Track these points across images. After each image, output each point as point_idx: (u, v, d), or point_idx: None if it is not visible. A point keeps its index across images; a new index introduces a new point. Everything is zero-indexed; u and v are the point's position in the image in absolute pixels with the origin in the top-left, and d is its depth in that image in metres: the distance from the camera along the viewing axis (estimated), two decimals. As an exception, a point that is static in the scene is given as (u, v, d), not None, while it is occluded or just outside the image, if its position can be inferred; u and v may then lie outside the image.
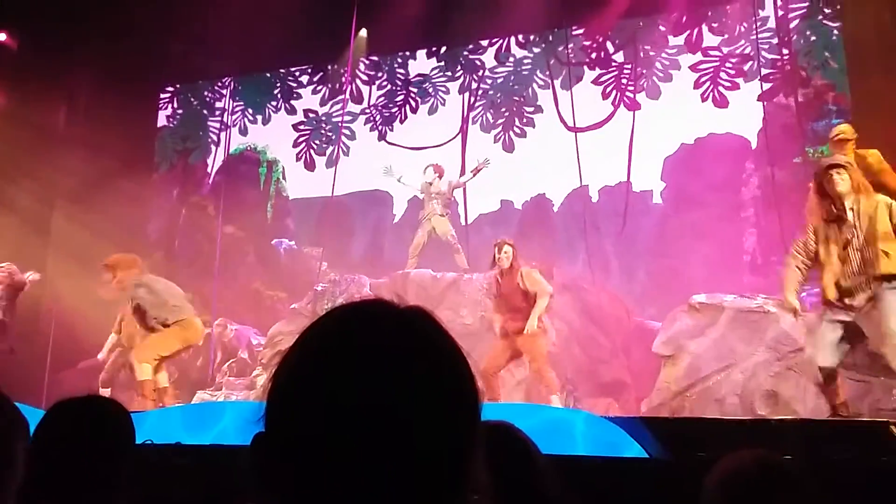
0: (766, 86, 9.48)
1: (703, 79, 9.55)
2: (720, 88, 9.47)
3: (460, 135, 10.70)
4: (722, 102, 9.52)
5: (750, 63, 9.50)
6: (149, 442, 3.68)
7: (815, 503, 1.65)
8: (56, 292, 9.52)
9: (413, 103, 11.30)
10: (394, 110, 11.36)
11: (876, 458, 3.96)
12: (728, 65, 9.51)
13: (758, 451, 1.76)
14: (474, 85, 10.93)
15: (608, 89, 10.13)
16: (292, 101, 11.93)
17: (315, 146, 11.66)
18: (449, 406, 0.75)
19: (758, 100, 9.58)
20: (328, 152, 11.59)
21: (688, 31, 9.82)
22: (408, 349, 0.75)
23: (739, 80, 9.50)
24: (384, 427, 0.70)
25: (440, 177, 9.74)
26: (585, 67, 10.28)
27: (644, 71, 9.96)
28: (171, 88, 12.39)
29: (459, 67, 11.07)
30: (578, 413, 5.61)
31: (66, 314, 9.28)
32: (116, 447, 1.82)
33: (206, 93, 12.33)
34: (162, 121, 12.35)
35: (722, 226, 10.07)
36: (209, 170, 12.85)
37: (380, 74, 11.55)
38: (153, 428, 4.57)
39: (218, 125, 12.14)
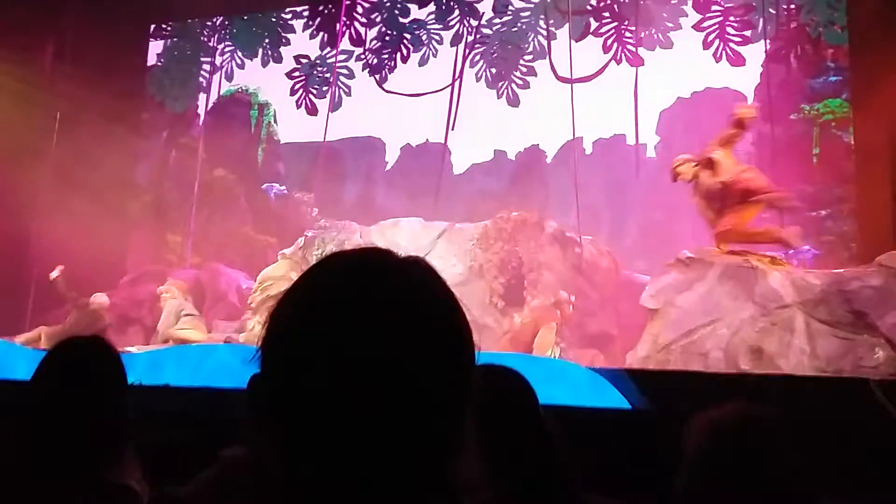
0: (767, 41, 9.36)
1: (712, 37, 9.38)
2: (731, 45, 9.29)
3: (451, 87, 10.52)
4: (737, 60, 9.34)
5: (754, 15, 9.33)
6: (138, 383, 3.70)
7: (794, 456, 1.67)
8: (42, 231, 9.45)
9: (405, 51, 11.09)
10: (385, 57, 11.13)
11: (856, 414, 4.03)
12: (732, 19, 9.34)
13: (739, 404, 1.77)
14: (469, 37, 10.72)
15: (609, 42, 9.97)
16: (282, 48, 11.66)
17: (314, 91, 11.43)
18: (448, 356, 0.76)
19: (766, 59, 9.45)
20: (328, 95, 11.38)
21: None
22: (406, 301, 0.76)
23: (748, 33, 9.33)
24: (384, 375, 0.71)
25: None
26: (584, 19, 10.08)
27: (644, 24, 9.79)
28: (161, 27, 12.11)
29: (456, 13, 10.85)
30: (565, 364, 5.68)
31: (51, 254, 9.24)
32: (113, 390, 1.84)
33: (197, 31, 12.07)
34: (152, 60, 12.10)
35: (714, 181, 10.04)
36: (199, 111, 12.67)
37: (377, 18, 11.30)
38: (143, 369, 4.60)
39: (209, 66, 11.91)
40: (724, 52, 9.38)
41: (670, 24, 9.74)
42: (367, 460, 0.71)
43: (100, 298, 8.91)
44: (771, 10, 9.30)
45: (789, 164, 9.65)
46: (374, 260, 0.79)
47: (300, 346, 0.74)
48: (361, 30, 11.21)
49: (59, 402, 1.76)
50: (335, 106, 10.99)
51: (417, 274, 0.79)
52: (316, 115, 11.27)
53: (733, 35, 9.35)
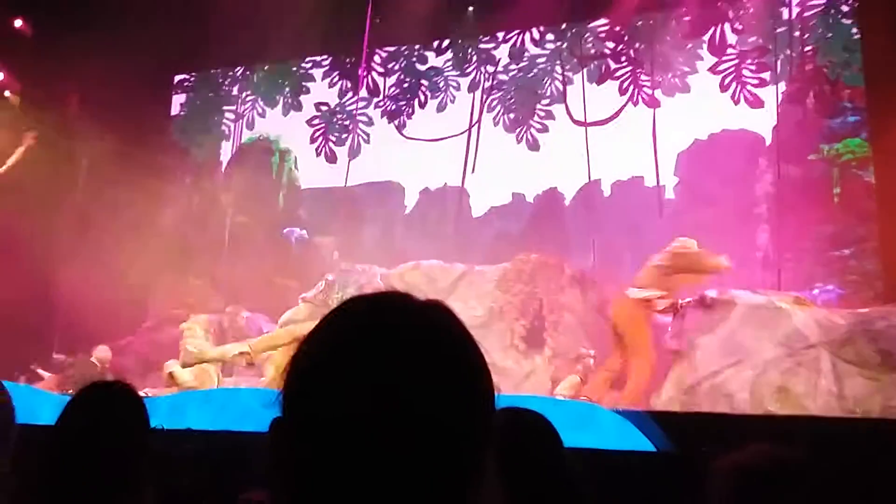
0: (780, 83, 9.41)
1: (728, 79, 9.45)
2: (749, 87, 9.35)
3: (468, 132, 10.63)
4: (756, 102, 9.38)
5: (770, 58, 9.40)
6: (160, 427, 3.71)
7: (822, 501, 1.64)
8: (66, 279, 9.57)
9: (423, 97, 11.27)
10: (403, 104, 11.31)
11: (887, 456, 3.94)
12: (748, 62, 9.42)
13: (767, 447, 1.75)
14: (487, 83, 10.87)
15: (625, 85, 10.07)
16: (302, 97, 11.88)
17: (333, 138, 11.61)
18: (466, 399, 0.76)
19: (783, 100, 9.49)
20: (348, 143, 11.55)
21: (709, 29, 9.72)
22: (427, 343, 0.76)
23: (765, 76, 9.39)
24: (402, 418, 0.72)
25: None
26: (600, 63, 10.20)
27: (660, 67, 9.88)
28: (184, 77, 12.41)
29: (473, 61, 11.03)
30: (588, 406, 5.62)
31: (76, 299, 9.33)
32: (135, 434, 1.86)
33: (219, 81, 12.35)
34: (175, 109, 12.38)
35: (734, 222, 10.00)
36: (221, 159, 12.88)
37: (395, 67, 11.52)
38: (165, 413, 4.61)
39: (231, 115, 12.16)
40: (741, 95, 9.43)
41: (686, 69, 9.84)
42: (384, 501, 0.71)
43: (101, 353, 8.93)
44: (787, 52, 9.37)
45: (810, 205, 9.60)
46: (395, 303, 0.80)
47: (321, 389, 0.74)
48: (379, 79, 11.43)
49: (83, 445, 1.77)
50: (354, 153, 11.14)
51: (437, 317, 0.80)
52: (335, 163, 11.43)
53: (750, 77, 9.41)
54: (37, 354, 9.13)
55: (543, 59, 10.64)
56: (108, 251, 9.06)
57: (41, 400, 5.76)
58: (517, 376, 8.15)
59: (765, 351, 6.69)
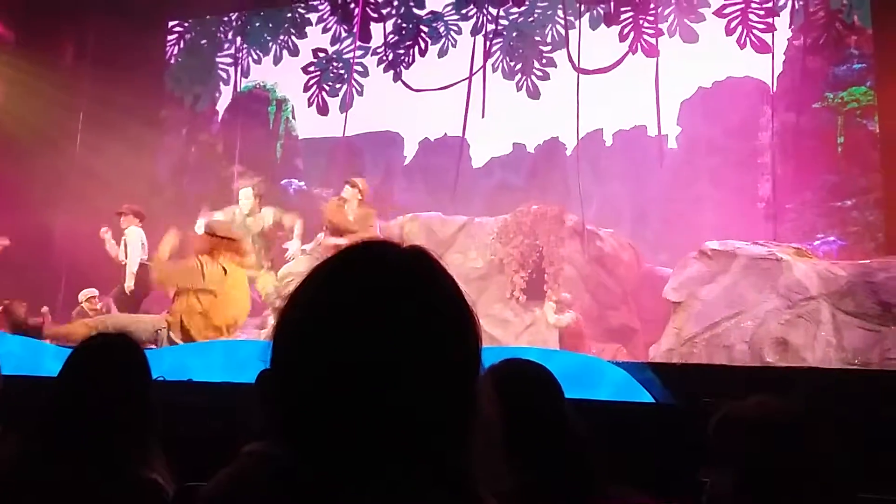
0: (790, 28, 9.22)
1: (734, 23, 9.23)
2: (755, 32, 9.13)
3: (469, 79, 10.44)
4: (763, 48, 9.16)
5: (777, 1, 9.18)
6: (161, 378, 3.71)
7: (821, 450, 1.64)
8: (65, 228, 9.55)
9: (423, 44, 11.02)
10: (401, 52, 11.07)
11: (886, 408, 3.96)
12: (755, 4, 9.19)
13: (769, 398, 1.74)
14: (490, 26, 10.62)
15: (626, 31, 9.86)
16: (299, 40, 11.64)
17: (327, 88, 11.41)
18: (449, 347, 0.77)
19: (789, 46, 9.30)
20: (341, 93, 11.35)
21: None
22: (408, 288, 0.77)
23: (771, 20, 9.17)
24: (386, 366, 0.73)
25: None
26: (602, 7, 9.96)
27: (663, 12, 9.66)
28: (179, 24, 12.17)
29: (472, 6, 10.77)
30: (587, 358, 5.64)
31: (75, 248, 9.32)
32: (138, 385, 1.86)
33: (214, 28, 12.11)
34: (171, 58, 12.17)
35: (737, 172, 9.94)
36: (218, 108, 12.72)
37: (392, 12, 11.25)
38: (167, 365, 4.62)
39: (227, 62, 11.95)
40: (747, 39, 9.24)
41: (692, 16, 9.62)
42: (371, 452, 0.73)
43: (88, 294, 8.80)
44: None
45: (813, 154, 9.53)
46: (374, 252, 0.81)
47: (303, 341, 0.76)
48: (377, 26, 11.18)
49: (86, 397, 1.78)
50: (346, 105, 10.97)
51: (419, 264, 0.80)
52: (327, 115, 11.26)
53: (757, 21, 9.20)
54: (42, 302, 9.14)
55: (545, 3, 10.39)
56: (106, 203, 9.00)
57: (43, 351, 5.77)
58: (517, 328, 8.18)
59: (765, 302, 6.71)
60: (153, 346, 6.10)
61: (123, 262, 8.09)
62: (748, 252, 7.08)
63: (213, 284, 6.24)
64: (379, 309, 0.75)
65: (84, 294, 8.63)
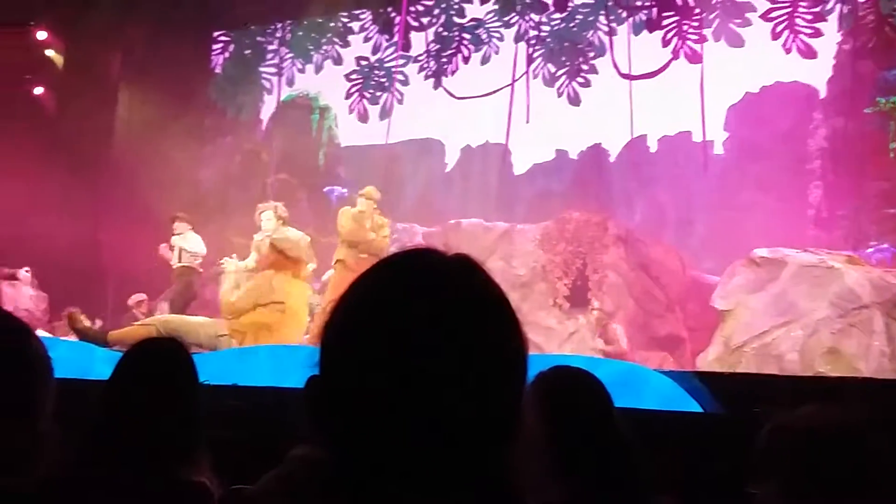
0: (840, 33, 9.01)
1: (780, 27, 9.06)
2: (802, 37, 8.96)
3: (511, 85, 10.41)
4: (808, 53, 8.98)
5: (826, 6, 8.99)
6: (206, 383, 3.76)
7: (876, 462, 1.58)
8: (111, 237, 9.77)
9: (466, 51, 11.04)
10: (444, 60, 11.09)
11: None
12: (801, 9, 9.02)
13: (823, 408, 1.68)
14: (533, 32, 10.58)
15: (669, 35, 9.75)
16: (342, 49, 11.76)
17: (368, 95, 11.50)
18: (495, 355, 0.77)
19: (839, 51, 9.09)
20: (381, 101, 11.44)
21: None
22: (456, 297, 0.77)
23: (819, 26, 8.99)
24: (432, 374, 0.73)
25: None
26: (645, 13, 9.86)
27: (708, 16, 9.53)
28: (223, 34, 12.40)
29: (514, 14, 10.75)
30: (633, 366, 5.57)
31: (123, 257, 9.52)
32: (186, 390, 1.88)
33: (258, 38, 12.31)
34: (216, 67, 12.39)
35: (786, 178, 9.73)
36: (262, 116, 12.91)
37: (433, 20, 11.30)
38: (211, 370, 4.69)
39: (271, 71, 12.13)
40: (794, 44, 9.07)
41: (738, 20, 9.48)
42: (420, 458, 0.73)
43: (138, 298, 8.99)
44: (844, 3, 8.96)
45: (865, 160, 9.29)
46: (423, 259, 0.81)
47: (351, 347, 0.77)
48: (417, 35, 11.23)
49: (135, 400, 1.80)
50: (385, 113, 11.03)
51: (464, 271, 0.80)
52: (366, 123, 11.34)
53: (804, 26, 9.03)
54: (93, 307, 9.35)
55: (587, 9, 10.32)
56: (153, 211, 9.20)
57: (94, 356, 5.91)
58: (561, 335, 8.12)
59: (816, 311, 6.56)
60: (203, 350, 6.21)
61: (176, 266, 8.25)
62: (798, 260, 6.94)
63: (281, 299, 6.38)
64: (426, 315, 0.75)
65: (134, 299, 8.83)
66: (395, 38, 11.14)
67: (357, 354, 0.76)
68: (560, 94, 10.37)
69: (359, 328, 0.77)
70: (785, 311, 6.69)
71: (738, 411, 4.08)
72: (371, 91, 11.47)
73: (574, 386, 1.75)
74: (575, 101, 10.31)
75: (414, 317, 0.75)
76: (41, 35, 10.64)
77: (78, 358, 5.65)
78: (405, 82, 11.23)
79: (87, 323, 8.16)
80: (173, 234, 8.33)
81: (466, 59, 10.94)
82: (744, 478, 1.69)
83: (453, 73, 10.93)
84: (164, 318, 7.33)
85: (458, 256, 0.82)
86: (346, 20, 11.73)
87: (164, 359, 1.90)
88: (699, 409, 4.43)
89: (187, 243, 8.23)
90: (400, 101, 11.17)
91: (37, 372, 1.00)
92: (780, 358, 6.49)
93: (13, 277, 9.09)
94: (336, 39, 11.77)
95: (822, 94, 9.87)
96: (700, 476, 3.44)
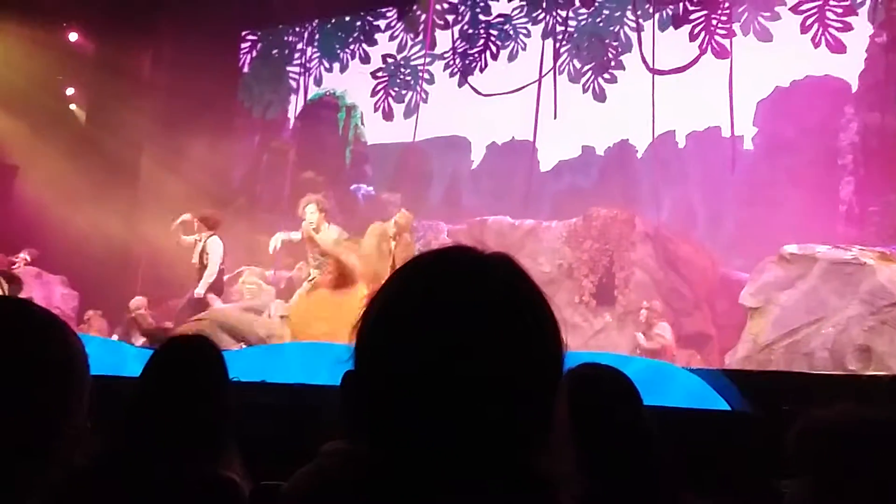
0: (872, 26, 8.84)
1: (810, 20, 8.91)
2: (831, 31, 8.80)
3: (538, 82, 10.36)
4: (837, 47, 8.81)
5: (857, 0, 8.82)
6: (236, 380, 3.80)
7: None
8: (143, 234, 9.89)
9: (494, 48, 11.00)
10: (468, 60, 11.06)
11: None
12: (832, 2, 8.86)
13: (856, 406, 1.66)
14: (560, 27, 10.51)
15: (696, 30, 9.64)
16: (368, 47, 11.78)
17: (393, 94, 11.52)
18: (533, 353, 0.77)
19: (871, 44, 8.91)
20: (407, 99, 11.45)
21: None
22: (494, 295, 0.77)
23: (850, 20, 8.82)
24: (469, 372, 0.73)
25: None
26: (671, 8, 9.75)
27: (736, 10, 9.40)
28: (251, 33, 12.49)
29: (541, 10, 10.69)
30: (661, 364, 5.54)
31: (153, 255, 9.63)
32: (216, 387, 1.91)
33: (286, 38, 12.39)
34: (244, 66, 12.49)
35: (816, 173, 9.59)
36: (289, 115, 13.00)
37: (458, 18, 11.28)
38: (239, 367, 4.74)
39: (298, 70, 12.20)
40: (823, 38, 8.92)
41: (766, 13, 9.34)
42: (455, 451, 0.73)
43: (136, 303, 9.05)
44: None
45: (897, 155, 9.13)
46: (461, 257, 0.81)
47: (388, 343, 0.77)
48: (443, 33, 11.21)
49: (165, 396, 1.83)
50: (410, 112, 11.04)
51: (504, 268, 0.80)
52: (391, 121, 11.34)
53: (834, 20, 8.87)
54: (119, 307, 9.49)
55: (614, 4, 10.24)
56: (181, 209, 9.30)
57: (126, 353, 6.00)
58: (587, 333, 8.08)
59: (847, 308, 6.46)
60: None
61: (197, 267, 8.32)
62: (829, 256, 6.83)
63: (345, 308, 6.44)
64: (465, 312, 0.75)
65: (134, 303, 8.89)
66: (421, 37, 11.13)
67: (394, 351, 0.76)
68: (586, 90, 10.29)
69: (396, 325, 0.77)
70: (815, 308, 6.60)
71: (767, 409, 4.04)
72: (396, 89, 11.49)
73: (603, 382, 1.75)
74: (600, 96, 10.22)
75: (452, 314, 0.75)
76: (73, 36, 10.82)
77: (110, 355, 5.74)
78: (431, 81, 11.23)
79: (153, 323, 8.30)
80: (199, 232, 8.39)
81: (495, 56, 10.89)
82: (774, 476, 1.68)
83: (483, 70, 10.89)
84: (221, 313, 7.36)
85: (497, 254, 0.82)
86: (371, 19, 11.75)
87: (193, 355, 1.93)
88: (727, 408, 4.38)
89: (212, 249, 8.27)
90: (425, 100, 11.17)
91: (75, 369, 1.01)
92: (811, 356, 6.40)
93: (11, 264, 9.08)
94: (363, 38, 11.79)
95: (854, 87, 9.70)
96: (729, 474, 3.41)
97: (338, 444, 1.34)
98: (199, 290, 8.09)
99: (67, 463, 1.02)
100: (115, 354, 5.83)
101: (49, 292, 9.61)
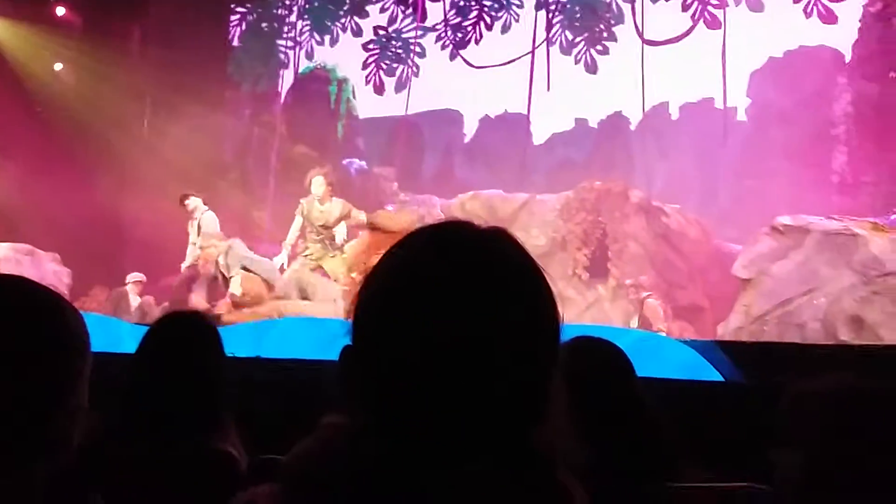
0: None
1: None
2: (823, 1, 8.74)
3: (531, 53, 10.26)
4: (829, 18, 8.75)
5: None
6: (232, 355, 3.80)
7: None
8: (133, 209, 9.85)
9: (488, 19, 10.87)
10: (466, 27, 10.93)
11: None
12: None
13: (842, 375, 1.67)
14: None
15: (689, 1, 9.55)
16: (359, 19, 11.63)
17: (384, 66, 11.40)
18: (530, 326, 0.76)
19: (865, 13, 8.85)
20: (398, 72, 11.32)
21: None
22: (491, 270, 0.77)
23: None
24: (467, 346, 0.73)
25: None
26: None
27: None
28: (241, 7, 12.33)
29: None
30: (654, 336, 5.57)
31: (143, 229, 9.60)
32: (213, 362, 1.91)
33: (276, 10, 12.23)
34: (234, 40, 12.34)
35: (810, 144, 9.58)
36: (280, 89, 12.88)
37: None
38: (235, 342, 4.74)
39: (288, 44, 12.07)
40: (814, 8, 8.86)
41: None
42: (453, 426, 0.74)
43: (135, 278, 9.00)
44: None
45: (891, 125, 9.12)
46: (457, 231, 0.81)
47: (386, 318, 0.76)
48: (433, 5, 11.07)
49: (163, 372, 1.84)
50: (401, 86, 10.93)
51: (500, 243, 0.80)
52: (382, 95, 11.22)
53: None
54: (111, 283, 9.47)
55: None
56: (172, 184, 9.24)
57: (121, 329, 6.00)
58: (580, 306, 8.12)
59: (839, 279, 6.50)
60: None
61: (193, 242, 8.30)
62: (822, 227, 6.85)
63: None
64: (461, 285, 0.75)
65: (131, 278, 8.86)
66: (411, 10, 11.00)
67: (392, 325, 0.76)
68: (577, 62, 10.21)
69: (393, 298, 0.77)
70: (807, 279, 6.63)
71: (759, 380, 4.07)
72: (387, 62, 11.37)
73: (597, 355, 1.76)
74: (592, 68, 10.14)
75: (450, 287, 0.75)
76: (60, 10, 10.67)
77: (106, 331, 5.74)
78: (422, 54, 11.12)
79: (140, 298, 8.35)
80: (188, 211, 8.37)
81: (490, 27, 10.77)
82: (767, 446, 1.69)
83: (478, 42, 10.77)
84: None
85: (493, 228, 0.82)
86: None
87: (188, 331, 1.94)
88: (720, 379, 4.42)
89: (206, 222, 8.23)
90: (416, 74, 11.06)
91: (77, 346, 1.01)
92: (803, 326, 6.45)
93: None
94: (354, 10, 11.64)
95: (848, 57, 9.66)
96: (722, 445, 3.44)
97: (337, 417, 1.34)
98: (186, 263, 8.09)
99: (68, 441, 1.02)
100: (110, 331, 5.83)
101: (41, 269, 9.58)
